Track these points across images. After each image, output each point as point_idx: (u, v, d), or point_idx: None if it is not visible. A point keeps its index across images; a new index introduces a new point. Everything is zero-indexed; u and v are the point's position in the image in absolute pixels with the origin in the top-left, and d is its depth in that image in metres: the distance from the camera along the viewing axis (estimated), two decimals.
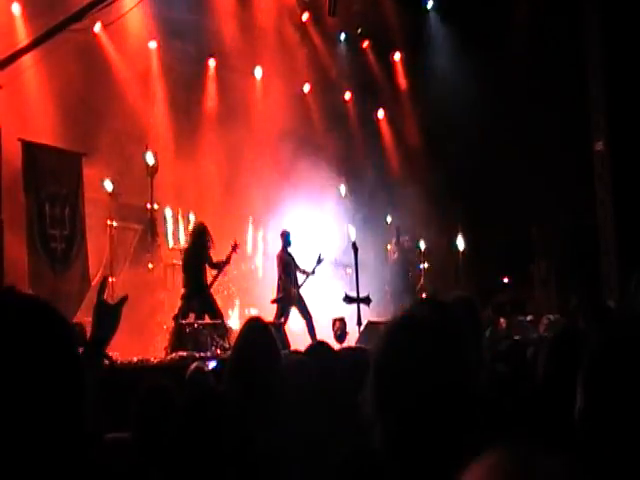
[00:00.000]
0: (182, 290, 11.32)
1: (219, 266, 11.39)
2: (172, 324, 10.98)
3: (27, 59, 11.25)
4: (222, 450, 1.79)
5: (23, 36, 11.34)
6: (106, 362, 6.09)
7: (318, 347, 3.89)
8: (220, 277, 11.52)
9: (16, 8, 11.26)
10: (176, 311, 11.08)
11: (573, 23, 13.89)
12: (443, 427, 1.60)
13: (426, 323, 1.75)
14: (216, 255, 11.41)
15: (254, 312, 12.79)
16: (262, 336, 3.62)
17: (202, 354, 9.84)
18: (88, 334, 8.20)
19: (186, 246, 11.65)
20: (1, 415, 1.18)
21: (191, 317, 11.27)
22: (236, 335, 4.00)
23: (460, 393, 1.62)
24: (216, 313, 11.17)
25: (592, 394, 2.18)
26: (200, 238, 11.23)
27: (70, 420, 1.24)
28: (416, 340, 1.70)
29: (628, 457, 2.01)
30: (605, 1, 13.59)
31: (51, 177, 10.45)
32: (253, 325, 3.75)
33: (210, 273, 11.42)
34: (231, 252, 11.58)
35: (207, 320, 10.97)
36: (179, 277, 12.91)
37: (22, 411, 1.19)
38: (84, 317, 10.70)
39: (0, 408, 1.19)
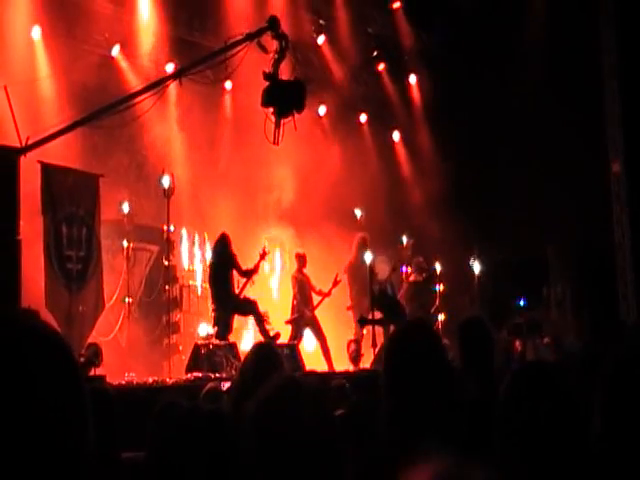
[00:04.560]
0: (211, 306, 11.34)
1: (248, 274, 11.40)
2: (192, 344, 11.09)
3: (45, 82, 11.40)
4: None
5: (43, 60, 11.49)
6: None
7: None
8: (248, 286, 11.54)
9: (36, 32, 11.39)
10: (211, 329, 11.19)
11: (589, 40, 13.89)
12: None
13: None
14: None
15: None
16: (268, 362, 3.64)
17: (217, 375, 9.85)
18: (102, 353, 8.23)
19: (211, 261, 11.67)
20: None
21: (209, 337, 11.29)
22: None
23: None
24: (253, 307, 11.22)
25: (610, 418, 2.16)
26: (224, 249, 11.24)
27: (73, 445, 1.24)
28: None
29: None
30: (622, 20, 13.59)
31: (68, 198, 10.52)
32: (260, 351, 3.78)
33: (238, 283, 11.45)
34: (259, 260, 11.59)
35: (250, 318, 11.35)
36: (195, 298, 12.95)
37: (22, 437, 1.19)
38: (99, 337, 10.79)
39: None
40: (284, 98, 8.87)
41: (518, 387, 2.35)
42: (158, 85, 9.35)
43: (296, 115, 9.06)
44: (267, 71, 9.01)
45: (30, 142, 8.81)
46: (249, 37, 8.95)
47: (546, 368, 2.48)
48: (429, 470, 1.02)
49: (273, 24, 8.96)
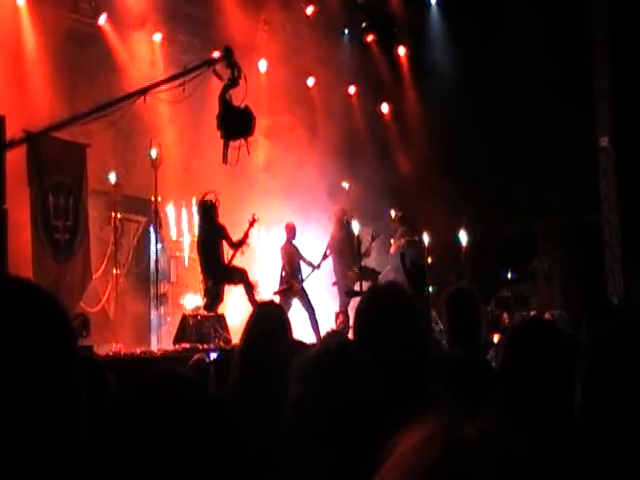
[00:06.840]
0: (201, 277, 11.25)
1: (237, 244, 11.31)
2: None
3: (31, 50, 11.26)
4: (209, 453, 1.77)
5: (28, 29, 11.33)
6: None
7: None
8: (238, 255, 11.43)
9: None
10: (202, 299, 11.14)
11: (579, 18, 13.84)
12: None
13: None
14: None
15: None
16: (277, 320, 3.52)
17: (205, 346, 9.87)
18: (90, 324, 8.21)
19: (198, 232, 11.60)
20: None
21: (197, 309, 11.28)
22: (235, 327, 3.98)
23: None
24: (242, 276, 11.17)
25: (591, 389, 2.18)
26: (210, 219, 11.14)
27: (68, 413, 1.22)
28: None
29: (626, 449, 2.01)
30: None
31: (55, 168, 10.44)
32: (267, 308, 3.69)
33: (227, 253, 11.36)
34: (249, 228, 11.49)
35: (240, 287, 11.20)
36: (182, 269, 12.92)
37: (16, 403, 1.17)
38: (87, 308, 10.77)
39: None
40: (233, 123, 9.28)
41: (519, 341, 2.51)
42: (135, 95, 9.37)
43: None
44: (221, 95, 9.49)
45: (17, 129, 8.90)
46: (206, 63, 9.40)
47: (546, 324, 2.69)
48: (424, 429, 1.00)
49: (227, 54, 9.31)
